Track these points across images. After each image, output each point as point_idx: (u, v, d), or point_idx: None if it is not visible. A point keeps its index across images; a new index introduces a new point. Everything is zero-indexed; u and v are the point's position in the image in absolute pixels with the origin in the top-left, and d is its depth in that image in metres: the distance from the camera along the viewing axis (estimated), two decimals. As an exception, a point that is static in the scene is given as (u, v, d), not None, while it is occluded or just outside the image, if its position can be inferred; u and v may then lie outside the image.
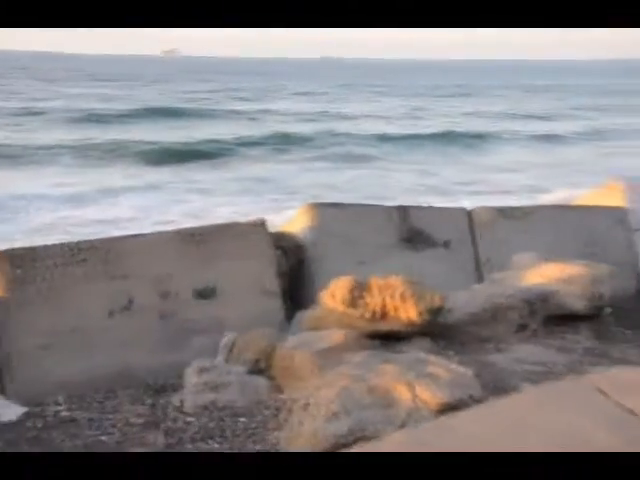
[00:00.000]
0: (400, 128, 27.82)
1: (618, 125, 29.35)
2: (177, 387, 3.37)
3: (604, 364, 3.40)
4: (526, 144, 24.79)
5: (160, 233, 4.03)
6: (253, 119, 30.30)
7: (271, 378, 3.42)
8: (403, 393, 2.93)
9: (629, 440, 2.44)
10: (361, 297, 3.71)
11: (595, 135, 26.67)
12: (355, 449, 2.48)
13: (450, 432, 2.48)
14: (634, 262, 4.83)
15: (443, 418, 2.68)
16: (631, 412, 2.63)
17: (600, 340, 3.82)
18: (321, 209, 4.28)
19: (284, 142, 22.86)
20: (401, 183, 16.91)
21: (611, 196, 5.00)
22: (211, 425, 2.99)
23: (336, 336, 3.44)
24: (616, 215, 4.88)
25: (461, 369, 3.18)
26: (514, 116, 34.74)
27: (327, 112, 34.35)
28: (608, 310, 4.15)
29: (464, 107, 39.66)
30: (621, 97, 47.94)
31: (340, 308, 3.68)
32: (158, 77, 65.13)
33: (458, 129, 27.63)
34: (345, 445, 2.59)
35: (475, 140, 25.13)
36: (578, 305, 3.92)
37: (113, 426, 3.02)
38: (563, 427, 2.53)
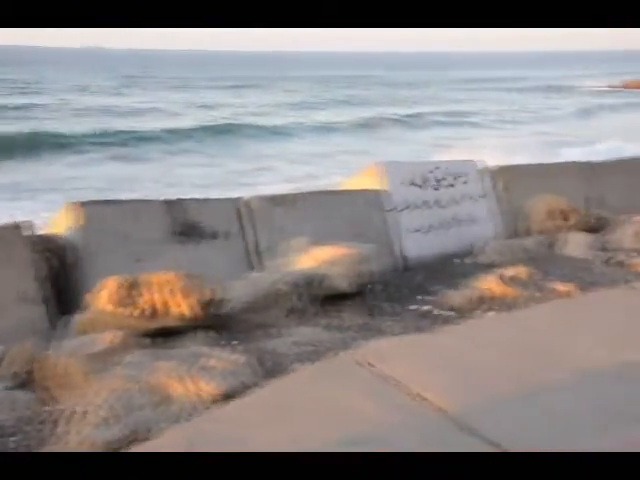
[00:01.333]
0: (186, 121, 27.42)
1: (385, 115, 31.63)
2: None
3: (372, 337, 3.64)
4: (310, 134, 25.77)
5: None
6: (20, 116, 27.88)
7: (41, 390, 3.20)
8: (178, 388, 2.91)
9: (391, 405, 2.66)
10: (138, 295, 3.61)
11: (368, 125, 28.47)
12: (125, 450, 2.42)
13: (223, 420, 2.52)
14: (395, 241, 5.24)
15: (221, 408, 2.70)
16: (391, 379, 2.87)
17: (370, 315, 4.08)
18: (89, 207, 4.07)
19: (58, 141, 21.35)
20: (187, 177, 16.75)
21: (374, 179, 5.37)
22: (-32, 452, 2.71)
23: (108, 338, 3.31)
24: (376, 197, 5.25)
25: (241, 357, 3.24)
26: (300, 106, 35.91)
27: (107, 106, 32.79)
28: (377, 287, 4.46)
29: (250, 98, 40.22)
30: (399, 88, 51.84)
31: (116, 308, 3.55)
32: None
33: (243, 121, 27.95)
34: (118, 450, 2.51)
35: (262, 131, 25.59)
36: (349, 284, 4.16)
37: None
38: (332, 401, 2.69)
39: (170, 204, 4.42)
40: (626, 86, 53.55)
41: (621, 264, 4.95)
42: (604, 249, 5.34)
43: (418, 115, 31.57)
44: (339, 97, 41.84)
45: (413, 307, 4.31)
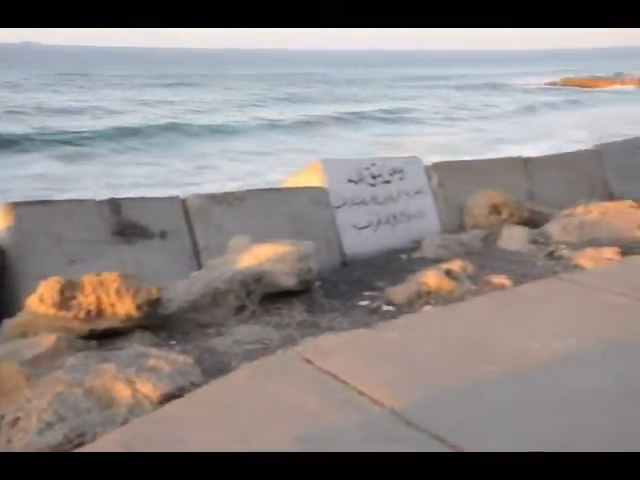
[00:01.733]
0: (127, 120, 26.89)
1: (327, 113, 31.75)
2: None
3: (314, 334, 3.67)
4: (252, 132, 25.64)
5: None
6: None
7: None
8: (122, 390, 2.86)
9: (334, 401, 2.67)
10: (73, 297, 3.54)
11: (310, 123, 28.55)
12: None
13: (162, 421, 2.49)
14: (336, 237, 5.28)
15: (160, 409, 2.68)
16: (332, 375, 2.89)
17: (311, 312, 4.10)
18: (20, 208, 3.96)
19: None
20: (129, 177, 16.48)
21: (313, 176, 5.39)
22: None
23: (46, 341, 3.23)
24: (316, 194, 5.27)
25: (181, 357, 3.20)
26: (241, 104, 35.70)
27: (41, 104, 31.85)
28: (317, 283, 4.49)
29: (191, 96, 39.74)
30: (340, 86, 52.07)
31: (50, 311, 3.46)
32: None
33: (185, 119, 27.62)
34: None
35: (204, 130, 25.32)
36: (290, 282, 4.17)
37: None
38: (275, 398, 2.69)
39: (106, 204, 4.34)
40: (565, 84, 55.50)
41: (551, 256, 5.13)
42: (536, 242, 5.52)
43: (359, 113, 31.81)
44: (280, 95, 41.78)
45: (354, 303, 4.35)
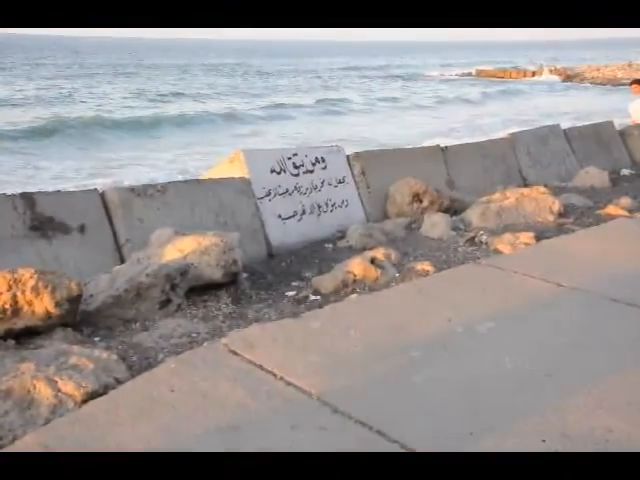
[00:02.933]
0: (47, 112, 25.86)
1: (250, 105, 31.51)
2: None
3: (241, 326, 3.66)
4: (177, 125, 25.17)
5: None
6: None
7: None
8: (43, 390, 2.77)
9: (261, 393, 2.67)
10: (-13, 296, 3.38)
11: (235, 114, 28.26)
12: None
13: (83, 420, 2.43)
14: (261, 228, 5.25)
15: (83, 407, 2.61)
16: (259, 366, 2.89)
17: (238, 304, 4.08)
18: None
19: None
20: (47, 171, 15.97)
21: (235, 167, 5.34)
22: None
23: (-42, 343, 3.09)
24: (241, 185, 5.22)
25: (105, 354, 3.13)
26: (162, 96, 35.01)
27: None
28: (244, 275, 4.46)
29: (116, 87, 38.66)
30: (268, 77, 51.75)
31: (-40, 312, 3.30)
32: None
33: (109, 111, 26.87)
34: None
35: (127, 122, 24.67)
36: (215, 274, 4.13)
37: None
38: (201, 392, 2.67)
39: (18, 198, 4.16)
40: (478, 75, 57.29)
41: (471, 242, 5.28)
42: (456, 229, 5.67)
43: (284, 104, 31.75)
44: (203, 87, 41.16)
45: (281, 293, 4.35)
